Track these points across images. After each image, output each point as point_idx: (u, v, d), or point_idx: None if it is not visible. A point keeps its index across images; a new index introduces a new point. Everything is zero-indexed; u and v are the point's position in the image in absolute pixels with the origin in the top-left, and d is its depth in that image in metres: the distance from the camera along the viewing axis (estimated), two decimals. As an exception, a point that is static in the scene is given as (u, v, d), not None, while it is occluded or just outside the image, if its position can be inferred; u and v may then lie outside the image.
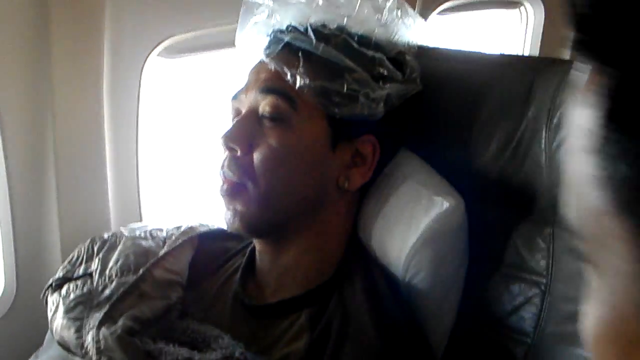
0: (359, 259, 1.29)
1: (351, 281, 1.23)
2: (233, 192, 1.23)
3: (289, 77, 1.20)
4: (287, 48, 1.25)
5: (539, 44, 2.70)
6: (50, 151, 1.61)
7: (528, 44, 2.73)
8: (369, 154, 1.27)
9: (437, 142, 1.39)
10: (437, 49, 1.44)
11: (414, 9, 2.06)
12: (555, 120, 1.18)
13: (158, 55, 1.72)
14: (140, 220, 1.83)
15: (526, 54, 2.72)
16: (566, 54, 2.73)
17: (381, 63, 1.24)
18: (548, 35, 2.69)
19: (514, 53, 2.74)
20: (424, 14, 2.24)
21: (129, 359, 1.11)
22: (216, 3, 1.73)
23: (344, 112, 1.21)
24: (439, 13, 2.34)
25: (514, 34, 2.77)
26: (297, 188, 1.24)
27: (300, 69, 1.20)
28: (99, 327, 1.17)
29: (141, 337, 1.16)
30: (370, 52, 1.24)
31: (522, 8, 2.70)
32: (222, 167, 1.25)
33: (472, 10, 2.56)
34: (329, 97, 1.21)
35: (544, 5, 2.63)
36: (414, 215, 1.22)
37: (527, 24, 2.71)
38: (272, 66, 1.23)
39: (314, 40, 1.22)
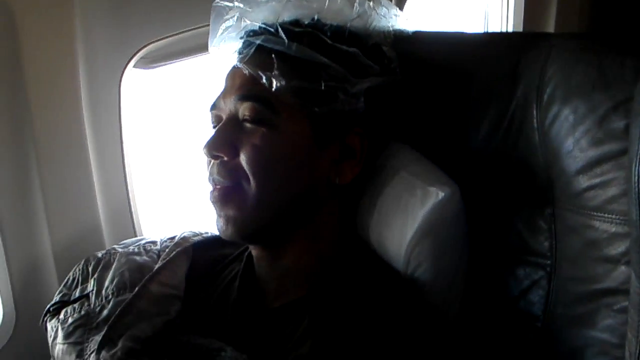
0: (359, 257, 1.28)
1: (352, 280, 1.21)
2: (225, 197, 1.21)
3: (264, 80, 1.18)
4: (260, 50, 1.22)
5: (522, 12, 2.68)
6: (34, 175, 1.59)
7: (511, 13, 2.71)
8: (358, 147, 1.25)
9: (427, 129, 1.37)
10: (417, 32, 1.42)
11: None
12: (545, 97, 1.15)
13: (134, 66, 1.70)
14: (134, 232, 1.81)
15: (510, 24, 2.70)
16: (550, 20, 2.74)
17: (357, 57, 1.22)
18: (531, 2, 2.67)
19: (498, 24, 2.73)
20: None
21: (132, 381, 1.09)
22: (187, 7, 1.71)
23: (324, 109, 1.20)
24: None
25: (496, 4, 2.74)
26: (288, 186, 1.21)
27: (275, 71, 1.18)
28: (99, 351, 1.16)
29: (142, 357, 1.14)
30: (344, 47, 1.22)
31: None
32: (212, 174, 1.22)
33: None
34: (308, 96, 1.19)
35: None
36: (410, 208, 1.20)
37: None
38: (246, 71, 1.22)
39: (286, 41, 1.20)
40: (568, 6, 2.77)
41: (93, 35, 1.56)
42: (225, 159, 1.20)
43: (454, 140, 1.32)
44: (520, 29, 2.69)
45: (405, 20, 1.38)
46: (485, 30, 2.74)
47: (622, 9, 2.88)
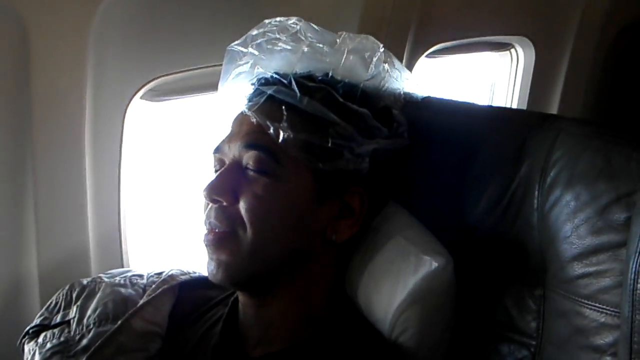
0: (344, 315, 1.27)
1: (336, 338, 1.20)
2: (220, 241, 1.20)
3: (271, 130, 1.18)
4: (271, 100, 1.22)
5: (529, 86, 2.71)
6: (29, 194, 1.58)
7: (517, 86, 2.73)
8: (357, 206, 1.25)
9: (425, 195, 1.38)
10: (427, 98, 1.42)
11: (403, 51, 2.07)
12: (548, 180, 1.16)
13: (141, 98, 1.70)
14: (122, 263, 1.80)
15: (515, 96, 2.72)
16: (556, 95, 2.77)
17: (366, 118, 1.22)
18: (538, 77, 2.70)
19: (504, 95, 2.75)
20: (413, 56, 2.23)
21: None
22: (201, 45, 1.72)
23: (328, 166, 1.19)
24: (428, 56, 2.32)
25: (503, 77, 2.76)
26: (284, 238, 1.20)
27: (284, 123, 1.18)
28: (75, 381, 1.14)
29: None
30: (355, 107, 1.22)
31: (512, 50, 2.70)
32: (209, 217, 1.21)
33: (462, 52, 2.56)
34: (313, 151, 1.19)
35: (535, 47, 2.63)
36: (402, 274, 1.20)
37: (517, 66, 2.71)
38: (254, 119, 1.21)
39: (298, 94, 1.20)
40: (574, 90, 2.80)
41: (104, 63, 1.56)
42: (225, 204, 1.19)
43: (452, 210, 1.32)
44: (525, 106, 2.71)
45: (415, 85, 1.39)
46: (490, 103, 2.76)
47: (627, 97, 2.91)
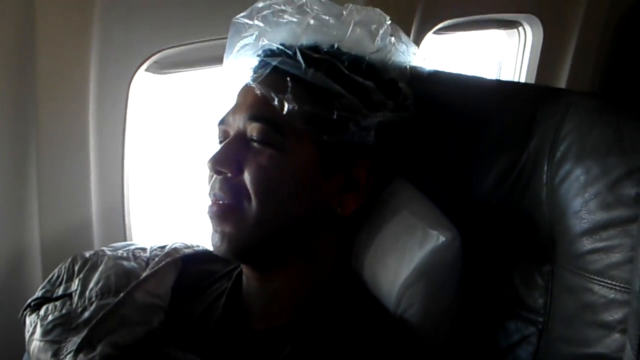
0: (349, 290, 1.26)
1: (340, 313, 1.19)
2: (224, 213, 1.19)
3: (276, 102, 1.17)
4: (275, 72, 1.21)
5: (536, 65, 2.68)
6: (32, 163, 1.57)
7: (525, 64, 2.71)
8: (363, 179, 1.24)
9: (433, 170, 1.37)
10: (435, 72, 1.41)
11: (411, 27, 2.06)
12: (558, 154, 1.14)
13: (146, 70, 1.70)
14: (125, 236, 1.79)
15: (522, 74, 2.70)
16: (563, 74, 2.75)
17: (372, 91, 1.21)
18: (546, 55, 2.68)
19: (511, 73, 2.73)
20: (421, 32, 2.21)
21: (107, 388, 1.07)
22: (206, 18, 1.70)
23: (333, 138, 1.19)
24: (435, 32, 2.31)
25: (511, 55, 2.74)
26: (289, 210, 1.20)
27: (289, 94, 1.17)
28: (77, 353, 1.15)
29: (120, 365, 1.12)
30: (360, 79, 1.21)
31: (520, 28, 2.68)
32: (213, 188, 1.21)
33: (470, 30, 2.54)
34: (318, 124, 1.18)
35: (543, 26, 2.61)
36: (408, 248, 1.19)
37: (525, 45, 2.69)
38: (259, 91, 1.20)
39: (303, 65, 1.19)
40: (581, 69, 2.78)
41: (109, 35, 1.55)
42: (229, 175, 1.18)
43: (459, 185, 1.31)
44: (533, 75, 2.70)
45: (422, 59, 1.38)
46: (502, 79, 2.74)
47: (635, 76, 2.89)
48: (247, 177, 1.17)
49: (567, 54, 2.74)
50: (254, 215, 1.17)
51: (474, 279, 1.26)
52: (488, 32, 2.71)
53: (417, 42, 2.20)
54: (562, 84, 2.76)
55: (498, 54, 2.80)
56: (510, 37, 2.73)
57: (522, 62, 2.72)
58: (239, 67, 1.32)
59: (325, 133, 1.18)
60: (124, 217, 1.79)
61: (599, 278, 1.06)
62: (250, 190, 1.16)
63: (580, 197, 1.09)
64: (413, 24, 2.15)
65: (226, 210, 1.19)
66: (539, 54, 2.67)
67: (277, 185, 1.17)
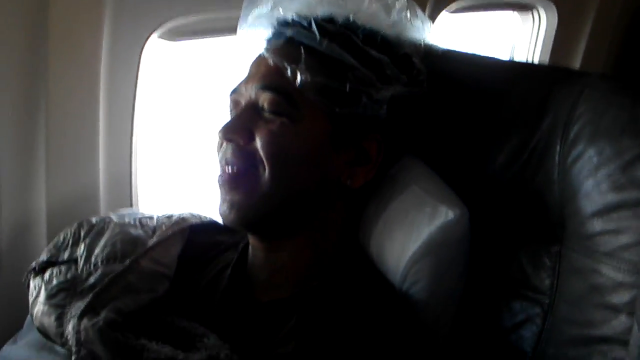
0: (355, 264, 1.26)
1: (345, 287, 1.19)
2: (235, 181, 1.20)
3: (289, 72, 1.17)
4: (289, 42, 1.22)
5: (550, 49, 2.67)
6: (41, 129, 1.57)
7: (538, 48, 2.70)
8: (374, 153, 1.24)
9: (443, 147, 1.36)
10: (450, 51, 1.40)
11: (426, 4, 2.04)
12: (571, 135, 1.13)
13: (159, 37, 1.69)
14: (131, 205, 1.80)
15: (535, 58, 2.69)
16: (577, 59, 2.73)
17: (386, 64, 1.21)
18: (559, 40, 2.66)
19: (524, 57, 2.72)
20: (436, 10, 2.20)
21: (109, 353, 1.08)
22: None
23: (345, 111, 1.18)
24: (450, 11, 2.29)
25: (524, 39, 2.73)
26: (300, 179, 1.20)
27: (302, 65, 1.17)
28: (80, 318, 1.14)
29: (124, 330, 1.12)
30: (374, 52, 1.21)
31: (534, 12, 2.66)
32: (225, 155, 1.21)
33: (484, 10, 2.53)
34: (330, 95, 1.18)
35: (557, 10, 2.59)
36: (416, 223, 1.19)
37: (539, 28, 2.68)
38: (272, 61, 1.20)
39: (318, 36, 1.19)
40: (595, 55, 2.77)
41: (123, 1, 1.55)
42: (241, 142, 1.18)
43: (470, 162, 1.30)
44: (546, 59, 2.68)
45: (437, 37, 1.37)
46: (516, 59, 2.73)
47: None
48: (258, 143, 1.17)
49: (581, 39, 2.73)
50: (266, 181, 1.17)
51: (481, 257, 1.26)
52: (502, 14, 2.69)
53: (432, 20, 2.19)
54: (576, 68, 2.74)
55: (511, 37, 2.78)
56: (524, 21, 2.71)
57: (535, 46, 2.70)
58: (253, 37, 1.32)
59: (338, 105, 1.18)
60: (131, 185, 1.79)
61: (608, 260, 1.05)
62: (263, 156, 1.17)
63: (592, 178, 1.08)
64: (428, 1, 2.14)
65: (237, 178, 1.19)
66: (552, 38, 2.66)
67: (288, 153, 1.17)
